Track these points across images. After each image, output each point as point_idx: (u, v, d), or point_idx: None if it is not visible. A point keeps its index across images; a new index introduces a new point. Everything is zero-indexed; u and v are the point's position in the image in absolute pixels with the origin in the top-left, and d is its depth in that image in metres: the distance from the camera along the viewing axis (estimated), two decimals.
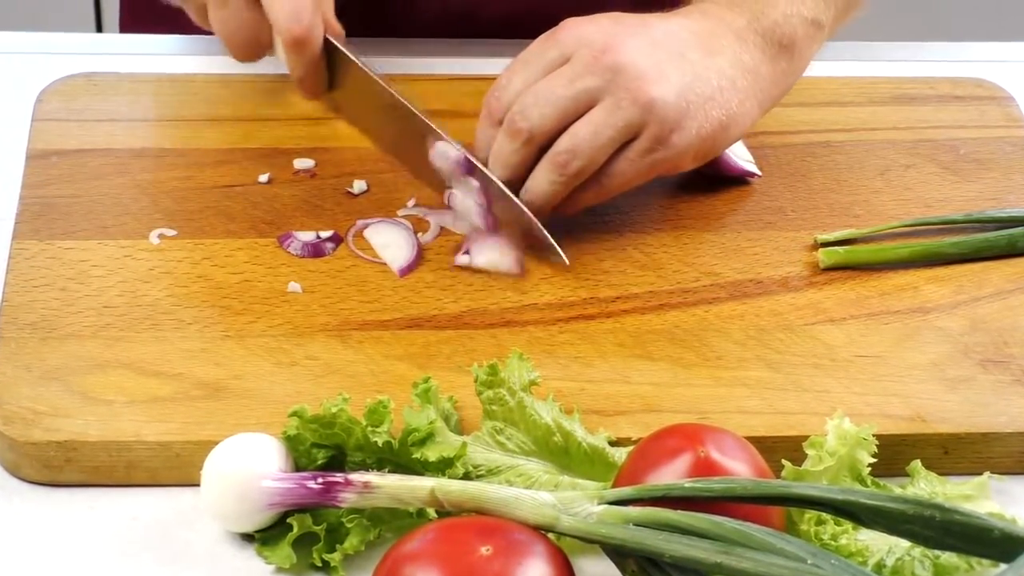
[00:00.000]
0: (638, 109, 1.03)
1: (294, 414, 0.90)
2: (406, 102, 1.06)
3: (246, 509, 0.88)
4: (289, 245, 1.07)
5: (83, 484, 0.93)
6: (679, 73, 1.05)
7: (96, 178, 1.11)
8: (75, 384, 0.96)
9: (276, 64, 1.08)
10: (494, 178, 1.06)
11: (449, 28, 1.31)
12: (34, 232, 1.06)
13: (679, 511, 0.82)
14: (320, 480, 0.87)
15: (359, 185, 1.12)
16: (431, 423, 0.90)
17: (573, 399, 0.97)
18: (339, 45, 1.06)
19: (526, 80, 1.06)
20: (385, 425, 0.90)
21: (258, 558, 0.89)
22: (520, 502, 0.85)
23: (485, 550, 0.80)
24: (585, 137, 1.04)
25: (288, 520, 0.88)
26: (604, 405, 0.97)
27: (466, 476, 0.90)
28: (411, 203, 1.11)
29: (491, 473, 0.92)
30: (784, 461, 0.91)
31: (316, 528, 0.88)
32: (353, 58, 1.06)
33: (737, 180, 1.15)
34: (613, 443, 0.93)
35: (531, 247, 1.07)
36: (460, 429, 0.95)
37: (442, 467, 0.89)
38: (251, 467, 0.88)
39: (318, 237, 1.08)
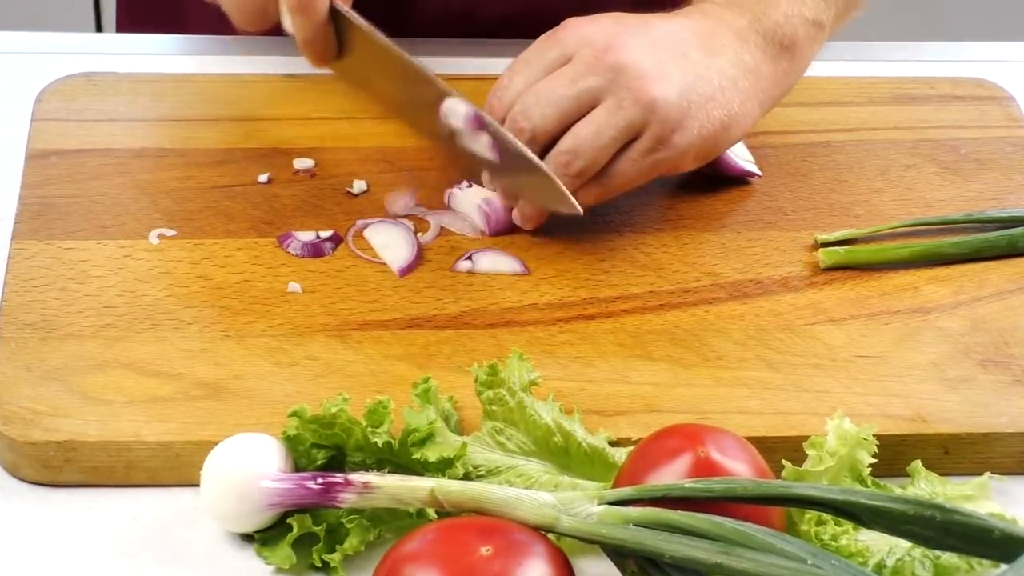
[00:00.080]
0: (640, 109, 1.03)
1: (294, 414, 0.90)
2: (417, 65, 1.06)
3: (246, 509, 0.88)
4: (289, 245, 1.07)
5: (83, 484, 0.93)
6: (681, 73, 1.05)
7: (95, 178, 1.11)
8: (75, 384, 0.95)
9: (276, 64, 1.08)
10: (505, 132, 1.05)
11: (449, 28, 1.31)
12: (34, 232, 1.06)
13: (679, 511, 0.82)
14: (320, 480, 0.87)
15: (359, 185, 1.12)
16: (431, 423, 0.90)
17: (573, 399, 0.96)
18: (345, 10, 1.06)
19: (528, 80, 1.06)
20: (385, 425, 0.90)
21: (258, 558, 0.89)
22: (520, 502, 0.85)
23: (485, 550, 0.80)
24: (587, 137, 1.04)
25: (288, 520, 0.88)
26: (604, 405, 0.97)
27: (466, 476, 0.90)
28: (411, 202, 1.11)
29: (491, 473, 0.92)
30: (784, 461, 0.91)
31: (316, 528, 0.88)
32: (361, 23, 1.06)
33: (737, 180, 1.15)
34: (613, 443, 0.93)
35: (547, 197, 1.06)
36: (460, 429, 0.94)
37: (442, 467, 0.89)
38: (251, 467, 0.88)
39: (318, 237, 1.07)
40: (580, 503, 0.85)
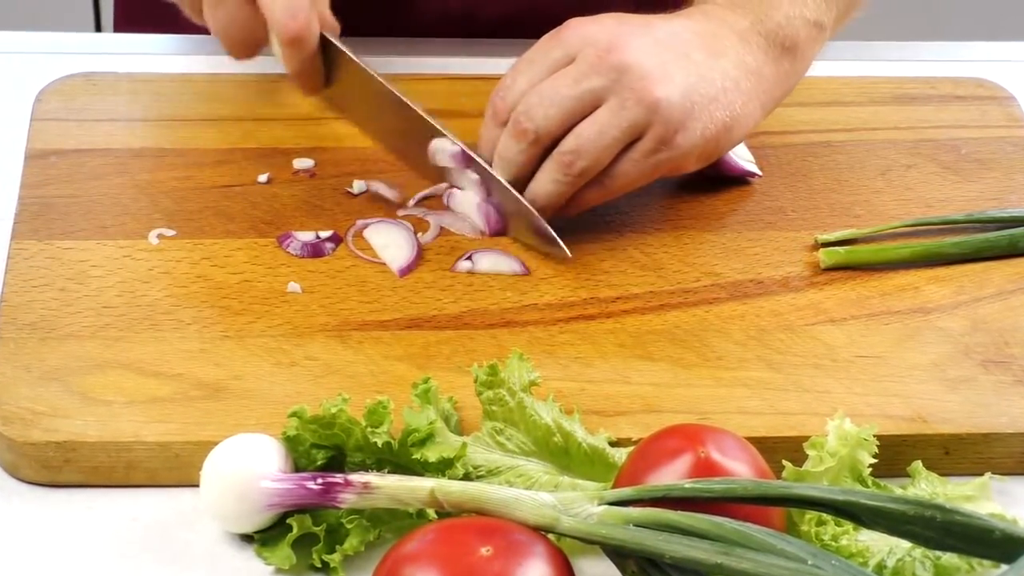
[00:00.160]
0: (643, 109, 1.03)
1: (294, 414, 0.89)
2: (403, 97, 1.06)
3: (245, 510, 0.88)
4: (288, 245, 1.07)
5: (82, 485, 0.93)
6: (684, 74, 1.05)
7: (95, 178, 1.11)
8: (74, 384, 0.95)
9: (275, 64, 1.08)
10: (492, 171, 1.06)
11: (449, 28, 1.31)
12: (33, 232, 1.06)
13: (679, 512, 0.82)
14: (320, 481, 0.87)
15: (359, 185, 1.12)
16: (431, 424, 0.90)
17: (573, 399, 0.96)
18: (335, 41, 1.06)
19: (531, 80, 1.05)
20: (385, 426, 0.89)
21: (257, 559, 0.89)
22: (520, 503, 0.85)
23: (485, 551, 0.80)
24: (590, 137, 1.04)
25: (288, 521, 0.88)
26: (604, 405, 0.97)
27: (466, 477, 0.90)
28: (411, 203, 1.11)
29: (491, 474, 0.92)
30: (785, 462, 0.91)
31: (316, 529, 0.88)
32: (349, 53, 1.06)
33: (738, 180, 1.15)
34: (613, 443, 0.93)
35: (534, 238, 1.06)
36: (460, 430, 0.94)
37: (442, 468, 0.89)
38: (250, 468, 0.88)
39: (318, 237, 1.07)
40: (580, 503, 0.85)
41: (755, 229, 1.11)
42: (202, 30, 1.09)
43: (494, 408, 0.93)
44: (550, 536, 0.84)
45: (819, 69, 1.17)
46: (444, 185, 1.10)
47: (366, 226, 1.09)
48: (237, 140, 1.15)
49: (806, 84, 1.15)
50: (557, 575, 0.81)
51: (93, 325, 1.00)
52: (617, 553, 0.84)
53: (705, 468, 0.85)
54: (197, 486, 0.89)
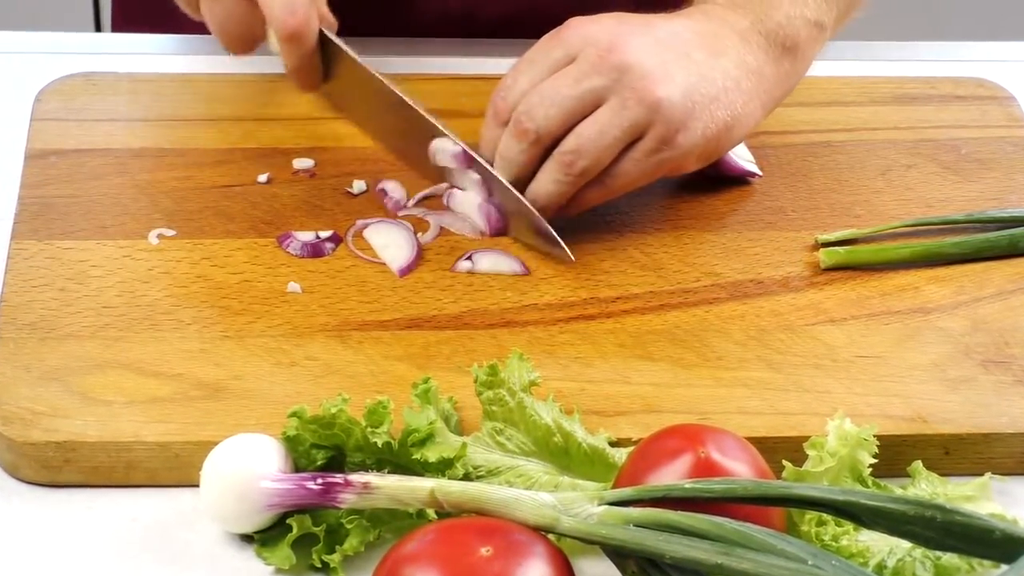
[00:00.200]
0: (644, 109, 1.03)
1: (293, 415, 0.89)
2: (404, 96, 1.06)
3: (245, 510, 0.88)
4: (288, 245, 1.07)
5: (82, 485, 0.93)
6: (685, 73, 1.04)
7: (95, 178, 1.11)
8: (74, 384, 0.95)
9: (275, 64, 1.08)
10: (493, 171, 1.06)
11: (449, 28, 1.31)
12: (33, 232, 1.06)
13: (679, 512, 0.82)
14: (319, 481, 0.87)
15: (359, 185, 1.12)
16: (431, 424, 0.90)
17: (573, 399, 0.96)
18: (333, 37, 1.06)
19: (532, 80, 1.05)
20: (385, 426, 0.89)
21: (257, 559, 0.89)
22: (520, 503, 0.85)
23: (485, 551, 0.80)
24: (591, 137, 1.03)
25: (287, 521, 0.88)
26: (604, 405, 0.97)
27: (466, 477, 0.90)
28: (411, 203, 1.11)
29: (491, 474, 0.92)
30: (785, 462, 0.91)
31: (315, 529, 0.88)
32: (347, 50, 1.06)
33: (738, 180, 1.15)
34: (613, 444, 0.93)
35: (535, 238, 1.06)
36: (460, 430, 0.94)
37: (442, 468, 0.89)
38: (250, 468, 0.88)
39: (317, 237, 1.07)
40: (580, 503, 0.85)
41: (755, 229, 1.11)
42: (200, 28, 1.09)
43: (494, 408, 0.93)
44: (550, 536, 0.84)
45: (819, 69, 1.17)
46: (444, 185, 1.11)
47: (366, 226, 1.09)
48: (237, 140, 1.15)
49: (806, 84, 1.15)
50: (557, 575, 0.81)
51: (93, 325, 1.00)
52: (617, 553, 0.84)
53: (705, 468, 0.85)
54: (197, 486, 0.89)
